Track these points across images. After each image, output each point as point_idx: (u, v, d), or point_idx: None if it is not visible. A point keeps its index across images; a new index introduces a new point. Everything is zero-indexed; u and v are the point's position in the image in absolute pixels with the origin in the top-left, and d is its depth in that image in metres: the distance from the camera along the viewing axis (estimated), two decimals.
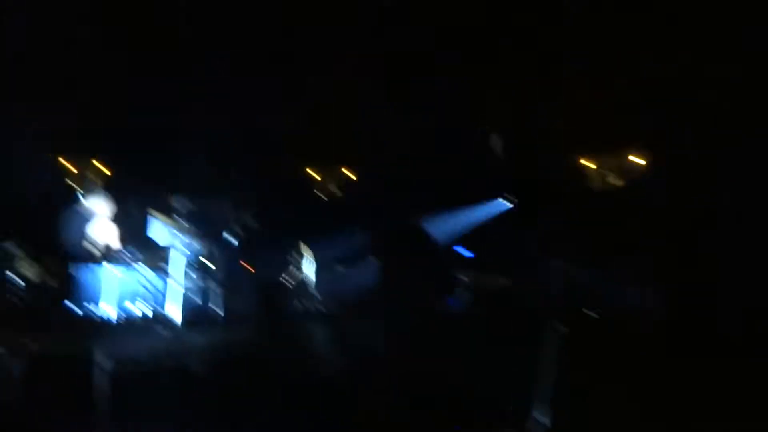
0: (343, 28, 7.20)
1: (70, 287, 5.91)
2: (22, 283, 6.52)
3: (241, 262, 7.22)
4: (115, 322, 5.76)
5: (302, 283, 7.36)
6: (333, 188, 10.83)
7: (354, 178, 10.73)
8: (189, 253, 6.51)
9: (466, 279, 6.39)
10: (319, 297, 7.31)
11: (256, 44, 7.31)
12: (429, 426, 4.00)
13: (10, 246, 6.74)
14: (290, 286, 7.29)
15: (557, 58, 7.20)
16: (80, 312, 5.74)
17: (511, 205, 8.22)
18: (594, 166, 9.22)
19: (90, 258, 6.05)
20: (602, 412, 4.10)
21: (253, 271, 7.15)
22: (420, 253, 5.12)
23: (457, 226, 7.60)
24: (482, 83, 7.69)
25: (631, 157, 9.01)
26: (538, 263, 6.50)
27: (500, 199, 8.43)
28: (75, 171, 10.90)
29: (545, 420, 3.29)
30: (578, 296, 6.33)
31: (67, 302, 5.81)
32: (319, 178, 10.96)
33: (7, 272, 6.57)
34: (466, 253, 6.81)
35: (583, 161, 9.21)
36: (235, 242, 6.87)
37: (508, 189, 8.55)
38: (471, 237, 7.53)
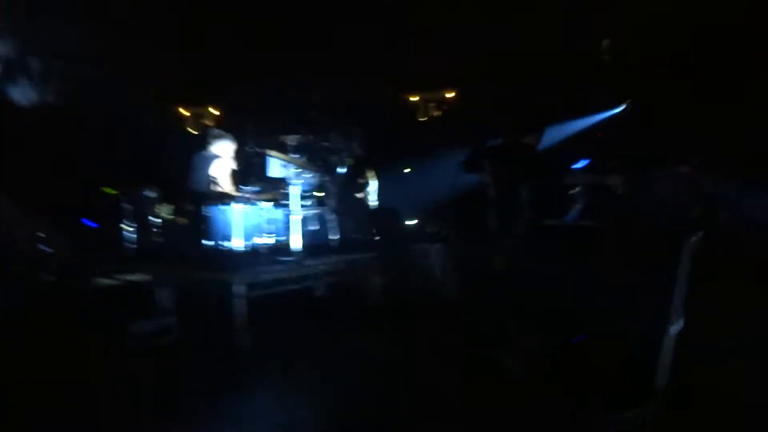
0: None
1: (203, 226, 6.45)
2: (161, 224, 7.27)
3: (354, 192, 7.52)
4: (245, 254, 6.24)
5: (412, 209, 7.55)
6: (434, 111, 10.80)
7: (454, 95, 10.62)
8: (306, 186, 6.86)
9: (581, 192, 6.22)
10: (431, 221, 7.50)
11: None
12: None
13: (149, 192, 7.47)
14: (401, 213, 7.51)
15: None
16: (214, 247, 6.27)
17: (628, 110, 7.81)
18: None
19: (217, 198, 6.54)
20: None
21: (363, 199, 7.42)
22: (531, 168, 5.03)
23: (570, 135, 7.37)
24: None
25: None
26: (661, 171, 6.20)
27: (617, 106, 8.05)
28: (196, 118, 11.72)
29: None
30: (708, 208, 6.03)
31: (201, 240, 6.37)
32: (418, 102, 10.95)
33: (149, 215, 7.32)
34: (582, 163, 6.60)
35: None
36: (346, 173, 7.12)
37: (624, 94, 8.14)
38: (588, 146, 7.29)
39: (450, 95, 11.04)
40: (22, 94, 7.73)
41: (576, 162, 6.37)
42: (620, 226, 5.36)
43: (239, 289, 5.56)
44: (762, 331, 4.14)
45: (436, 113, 11.01)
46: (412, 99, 11.23)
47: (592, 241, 5.30)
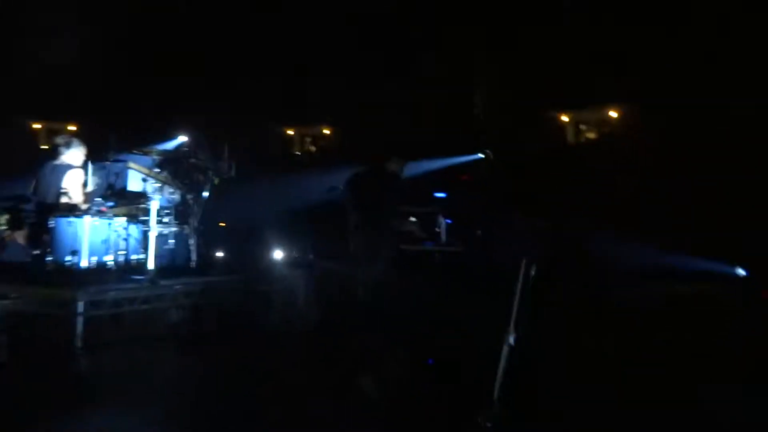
0: None
1: (50, 240, 5.95)
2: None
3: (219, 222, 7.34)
4: (92, 270, 5.82)
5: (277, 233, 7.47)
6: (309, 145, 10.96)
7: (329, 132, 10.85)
8: (165, 202, 6.59)
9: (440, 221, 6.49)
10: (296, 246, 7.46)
11: None
12: None
13: None
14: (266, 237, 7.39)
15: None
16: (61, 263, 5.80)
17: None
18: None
19: (66, 210, 6.09)
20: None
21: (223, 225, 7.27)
22: (392, 195, 5.19)
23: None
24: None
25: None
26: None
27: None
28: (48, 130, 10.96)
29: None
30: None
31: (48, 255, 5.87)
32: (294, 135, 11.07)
33: None
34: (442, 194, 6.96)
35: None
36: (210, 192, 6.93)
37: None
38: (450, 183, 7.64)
39: (325, 131, 11.25)
40: None
41: (437, 192, 6.68)
42: (475, 255, 5.70)
43: (80, 306, 5.15)
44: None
45: (311, 147, 11.16)
46: (288, 132, 11.33)
47: (449, 266, 5.57)
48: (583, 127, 9.47)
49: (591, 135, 9.27)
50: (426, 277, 4.59)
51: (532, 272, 3.50)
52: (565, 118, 9.53)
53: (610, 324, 5.45)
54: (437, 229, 6.09)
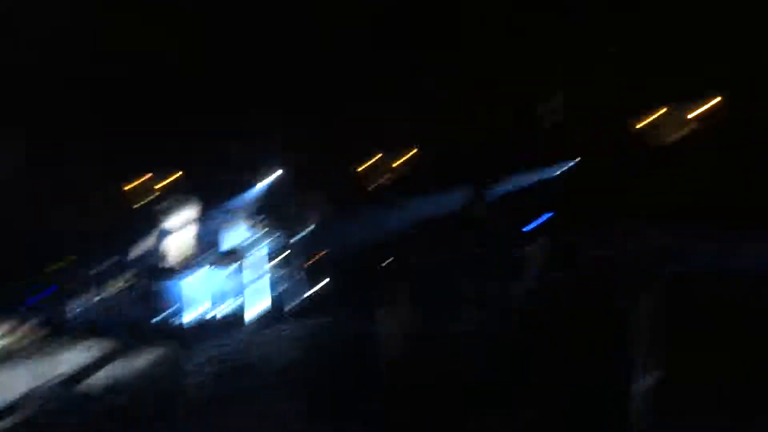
0: None
1: (156, 298, 6.23)
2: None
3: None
4: (198, 326, 6.02)
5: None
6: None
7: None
8: (267, 250, 6.72)
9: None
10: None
11: None
12: None
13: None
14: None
15: None
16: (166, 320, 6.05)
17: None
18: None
19: (171, 269, 6.35)
20: None
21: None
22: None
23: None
24: None
25: None
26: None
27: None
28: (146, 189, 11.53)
29: None
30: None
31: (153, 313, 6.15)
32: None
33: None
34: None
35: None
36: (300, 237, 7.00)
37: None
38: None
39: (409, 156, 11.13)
40: None
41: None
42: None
43: (189, 364, 5.32)
44: None
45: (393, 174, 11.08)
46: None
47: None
48: (683, 119, 8.83)
49: (689, 130, 8.59)
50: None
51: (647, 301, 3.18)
52: (658, 114, 8.90)
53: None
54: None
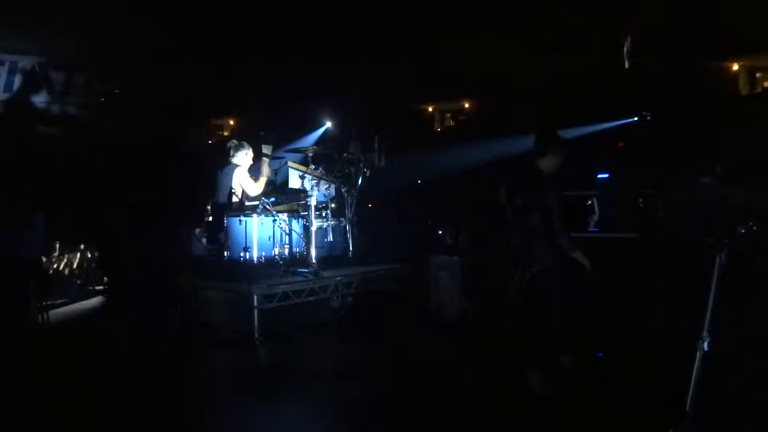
0: None
1: (225, 237, 6.50)
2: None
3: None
4: (262, 265, 6.30)
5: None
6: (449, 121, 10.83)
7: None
8: (321, 197, 6.89)
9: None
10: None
11: None
12: None
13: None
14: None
15: None
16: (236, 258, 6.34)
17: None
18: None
19: (238, 209, 6.58)
20: None
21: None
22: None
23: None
24: None
25: None
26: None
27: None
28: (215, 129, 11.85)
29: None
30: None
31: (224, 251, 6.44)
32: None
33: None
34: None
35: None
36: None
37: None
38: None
39: (466, 105, 11.03)
40: None
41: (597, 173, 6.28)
42: (648, 238, 5.26)
43: (255, 299, 5.61)
44: None
45: (451, 123, 11.03)
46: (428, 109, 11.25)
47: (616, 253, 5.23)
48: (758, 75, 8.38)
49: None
50: (597, 266, 4.32)
51: (724, 259, 3.12)
52: (735, 67, 8.45)
53: None
54: (593, 215, 5.75)
